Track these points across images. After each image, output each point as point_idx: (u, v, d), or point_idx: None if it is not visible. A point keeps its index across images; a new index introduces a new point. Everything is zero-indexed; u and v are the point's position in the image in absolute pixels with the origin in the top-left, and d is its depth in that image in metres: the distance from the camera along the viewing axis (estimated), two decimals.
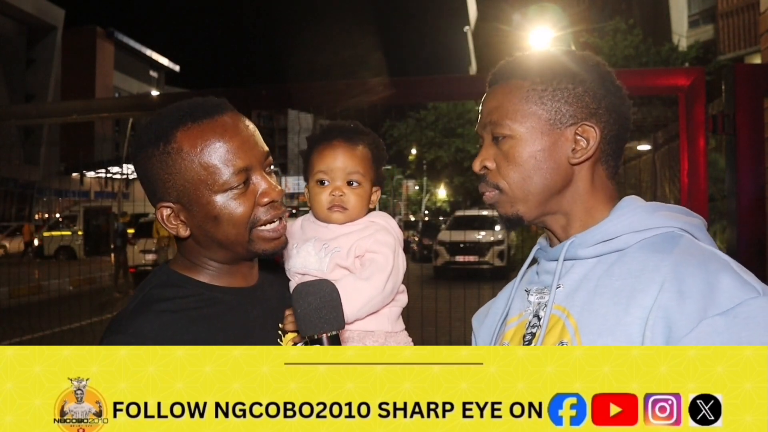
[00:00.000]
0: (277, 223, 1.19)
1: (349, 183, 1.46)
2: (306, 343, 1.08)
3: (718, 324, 0.91)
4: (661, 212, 1.10)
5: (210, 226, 1.15)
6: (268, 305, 1.28)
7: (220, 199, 1.14)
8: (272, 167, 1.22)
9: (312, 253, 1.43)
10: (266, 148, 1.19)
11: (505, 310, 1.24)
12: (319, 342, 1.06)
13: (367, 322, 1.38)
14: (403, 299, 1.47)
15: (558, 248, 1.14)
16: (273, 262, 1.40)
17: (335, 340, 1.06)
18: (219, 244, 1.17)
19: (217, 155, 1.12)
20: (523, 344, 1.13)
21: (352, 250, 1.41)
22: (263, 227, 1.17)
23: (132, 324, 1.11)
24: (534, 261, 1.26)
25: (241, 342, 1.02)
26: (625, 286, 1.02)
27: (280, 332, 1.28)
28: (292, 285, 1.44)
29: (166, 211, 1.17)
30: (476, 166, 1.16)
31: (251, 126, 1.19)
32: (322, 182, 1.46)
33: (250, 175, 1.15)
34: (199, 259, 1.21)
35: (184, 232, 1.18)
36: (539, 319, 1.13)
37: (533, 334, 1.13)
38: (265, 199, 1.16)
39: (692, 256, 1.01)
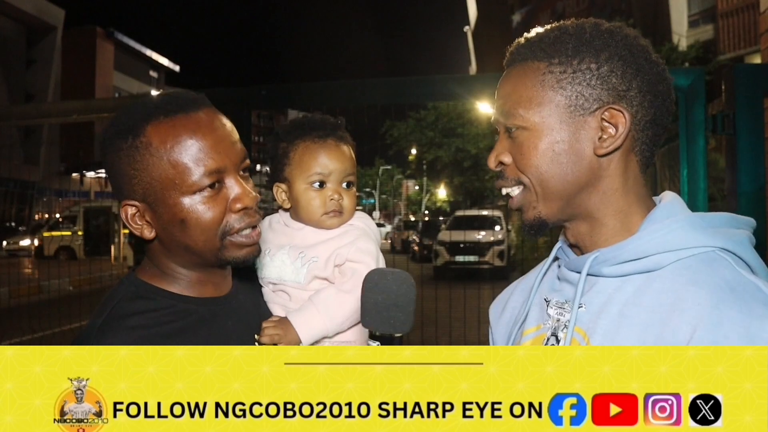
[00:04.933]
0: (250, 230, 1.11)
1: (345, 185, 1.37)
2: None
3: None
4: (702, 227, 0.97)
5: (176, 230, 1.08)
6: (242, 315, 1.21)
7: (188, 201, 1.06)
8: (247, 170, 1.14)
9: (287, 262, 1.35)
10: (244, 150, 1.12)
11: (522, 314, 1.15)
12: (388, 339, 0.99)
13: (346, 333, 1.32)
14: None
15: (580, 260, 1.02)
16: (246, 268, 1.31)
17: (398, 343, 1.00)
18: (186, 249, 1.10)
19: (188, 153, 1.05)
20: None
21: (330, 259, 1.33)
22: (236, 234, 1.10)
23: (101, 343, 1.02)
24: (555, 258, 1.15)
25: None
26: (653, 321, 0.92)
27: (256, 343, 1.21)
28: (266, 292, 1.36)
29: (130, 210, 1.10)
30: (491, 163, 1.05)
31: (228, 125, 1.11)
32: (321, 184, 1.35)
33: (223, 177, 1.08)
34: (168, 266, 1.14)
35: (149, 233, 1.10)
36: (558, 340, 1.05)
37: None
38: (238, 206, 1.09)
39: (733, 292, 0.88)
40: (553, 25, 1.03)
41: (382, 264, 1.35)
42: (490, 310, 1.30)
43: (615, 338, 0.95)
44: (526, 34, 1.05)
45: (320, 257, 1.33)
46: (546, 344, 1.06)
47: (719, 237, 0.96)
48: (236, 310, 1.20)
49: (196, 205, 1.07)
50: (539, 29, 1.04)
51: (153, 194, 1.07)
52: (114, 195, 1.13)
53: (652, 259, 0.95)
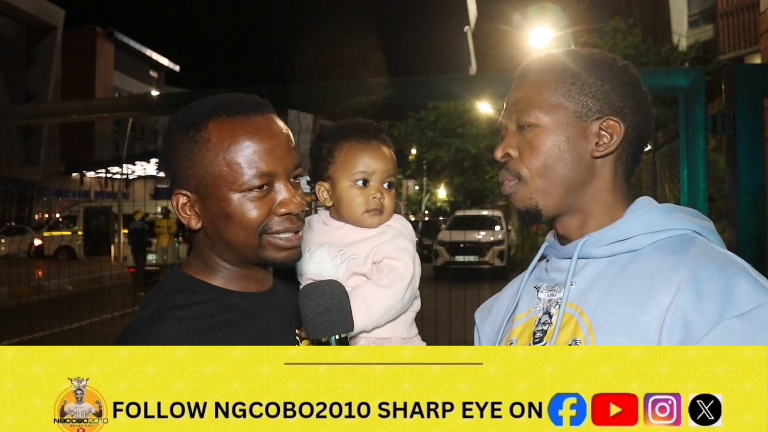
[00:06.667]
0: (291, 234, 1.16)
1: (386, 185, 1.42)
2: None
3: (734, 326, 0.92)
4: (676, 214, 1.11)
5: (221, 224, 1.13)
6: (284, 310, 1.25)
7: (236, 198, 1.11)
8: (299, 178, 1.18)
9: (327, 259, 1.39)
10: (298, 158, 1.16)
11: (512, 306, 1.23)
12: (328, 345, 1.04)
13: (384, 329, 1.36)
14: (417, 304, 1.44)
15: (571, 246, 1.14)
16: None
17: (344, 343, 1.04)
18: (227, 244, 1.15)
19: (243, 154, 1.10)
20: (534, 341, 1.13)
21: (369, 256, 1.37)
22: (275, 235, 1.14)
23: (152, 332, 1.08)
24: (542, 258, 1.25)
25: None
26: (641, 286, 1.02)
27: (297, 338, 1.25)
28: None
29: (182, 199, 1.16)
30: (498, 154, 1.16)
31: (286, 132, 1.16)
32: (365, 182, 1.40)
33: (273, 181, 1.13)
34: (212, 259, 1.19)
35: (195, 224, 1.16)
36: (550, 317, 1.13)
37: (544, 331, 1.13)
38: (282, 210, 1.13)
39: (709, 258, 1.02)
40: (564, 50, 1.19)
41: (418, 263, 1.40)
42: (476, 315, 1.39)
43: (606, 306, 1.04)
44: (538, 54, 1.19)
45: (359, 254, 1.37)
46: (537, 324, 1.15)
47: (692, 223, 1.10)
48: (278, 305, 1.24)
49: (243, 202, 1.12)
50: (551, 51, 1.18)
51: (204, 187, 1.13)
52: (168, 184, 1.20)
53: (636, 239, 1.08)
